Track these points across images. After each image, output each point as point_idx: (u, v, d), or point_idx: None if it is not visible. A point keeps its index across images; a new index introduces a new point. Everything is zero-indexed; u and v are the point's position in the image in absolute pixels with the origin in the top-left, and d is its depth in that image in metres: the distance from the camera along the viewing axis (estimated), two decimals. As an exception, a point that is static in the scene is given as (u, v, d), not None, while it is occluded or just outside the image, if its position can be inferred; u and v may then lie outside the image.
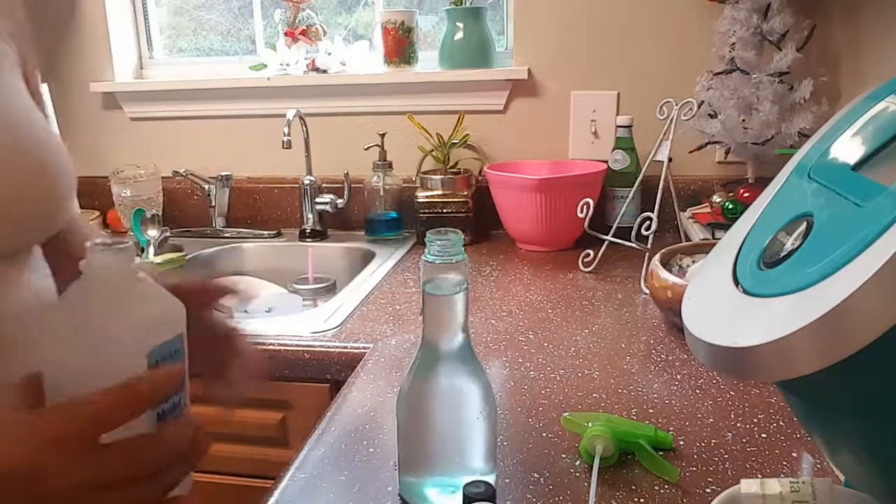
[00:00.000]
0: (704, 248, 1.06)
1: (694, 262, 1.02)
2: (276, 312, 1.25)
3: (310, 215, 1.57)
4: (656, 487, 0.64)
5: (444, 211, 1.47)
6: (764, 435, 0.72)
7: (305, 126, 1.57)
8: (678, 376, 0.86)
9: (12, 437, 0.36)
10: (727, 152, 1.39)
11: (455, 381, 0.60)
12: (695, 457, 0.69)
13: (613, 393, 0.82)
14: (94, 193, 1.73)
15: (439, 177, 1.48)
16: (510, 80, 1.53)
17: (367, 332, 1.03)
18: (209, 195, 1.64)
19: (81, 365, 0.40)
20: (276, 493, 0.65)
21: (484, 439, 0.61)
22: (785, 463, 0.68)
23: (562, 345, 0.96)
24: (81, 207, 1.68)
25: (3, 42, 0.56)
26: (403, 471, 0.64)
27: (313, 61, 1.64)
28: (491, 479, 0.63)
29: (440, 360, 0.60)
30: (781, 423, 0.74)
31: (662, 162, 1.21)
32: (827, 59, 1.38)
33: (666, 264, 1.01)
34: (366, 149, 1.54)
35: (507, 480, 0.66)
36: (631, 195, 1.32)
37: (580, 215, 1.24)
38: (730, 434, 0.73)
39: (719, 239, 0.78)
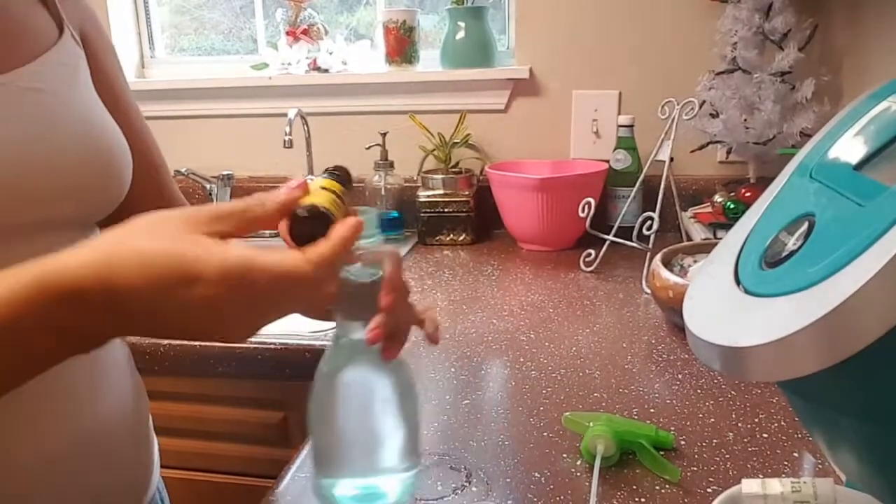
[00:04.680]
0: (706, 248, 1.06)
1: (695, 261, 1.02)
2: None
3: (311, 214, 1.57)
4: (657, 487, 0.64)
5: (446, 210, 1.46)
6: (765, 435, 0.72)
7: (307, 125, 1.57)
8: (679, 376, 0.86)
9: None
10: (729, 152, 1.39)
11: (363, 374, 0.56)
12: (696, 457, 0.69)
13: (615, 392, 0.82)
14: (96, 192, 1.74)
15: (441, 176, 1.48)
16: (511, 79, 1.53)
17: (368, 332, 1.03)
18: (211, 194, 1.64)
19: None
20: (277, 493, 0.65)
21: (400, 435, 0.56)
22: (786, 463, 0.68)
23: (563, 344, 0.96)
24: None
25: (76, 45, 0.63)
26: (315, 471, 0.58)
27: (315, 60, 1.64)
28: (411, 474, 0.58)
29: (349, 352, 0.55)
30: (783, 422, 0.74)
31: (664, 161, 1.21)
32: (829, 58, 1.38)
33: (667, 264, 1.01)
34: (367, 148, 1.54)
35: (508, 480, 0.66)
36: (632, 195, 1.32)
37: (581, 215, 1.24)
38: (731, 434, 0.73)
39: (721, 239, 0.78)
